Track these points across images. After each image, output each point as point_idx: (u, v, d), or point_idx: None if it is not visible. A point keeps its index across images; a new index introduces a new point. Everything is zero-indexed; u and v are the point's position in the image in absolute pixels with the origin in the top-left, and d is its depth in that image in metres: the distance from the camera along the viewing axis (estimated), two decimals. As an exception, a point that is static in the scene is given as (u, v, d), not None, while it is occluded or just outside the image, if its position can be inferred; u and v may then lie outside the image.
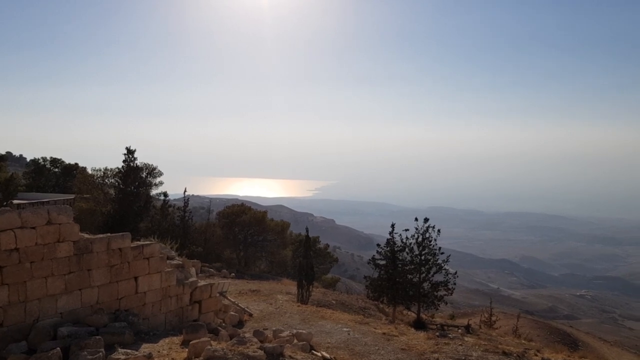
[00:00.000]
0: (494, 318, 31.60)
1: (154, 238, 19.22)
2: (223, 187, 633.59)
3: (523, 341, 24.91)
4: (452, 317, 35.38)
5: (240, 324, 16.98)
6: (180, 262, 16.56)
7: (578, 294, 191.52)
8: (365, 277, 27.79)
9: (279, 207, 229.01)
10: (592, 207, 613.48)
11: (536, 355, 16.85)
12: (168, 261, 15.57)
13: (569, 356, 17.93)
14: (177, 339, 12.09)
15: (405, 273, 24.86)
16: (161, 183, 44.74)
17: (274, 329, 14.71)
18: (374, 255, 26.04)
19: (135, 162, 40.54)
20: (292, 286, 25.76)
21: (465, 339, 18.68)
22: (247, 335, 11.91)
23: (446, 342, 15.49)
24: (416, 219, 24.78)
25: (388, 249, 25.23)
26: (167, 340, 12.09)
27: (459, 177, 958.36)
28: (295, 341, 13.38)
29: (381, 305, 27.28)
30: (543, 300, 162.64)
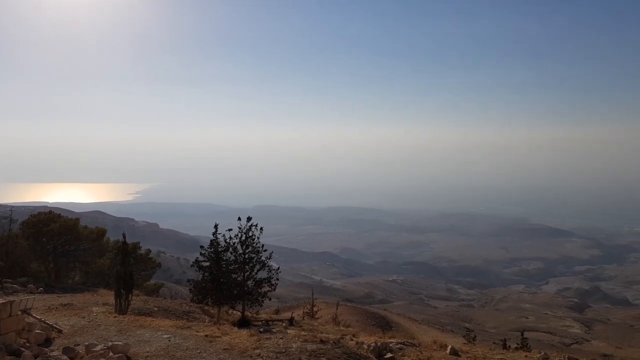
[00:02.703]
0: (315, 308, 33.06)
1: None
2: (27, 194, 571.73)
3: (342, 328, 26.44)
4: (277, 311, 36.31)
5: (47, 342, 15.49)
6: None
7: (390, 279, 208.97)
8: (188, 280, 27.23)
9: (96, 214, 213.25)
10: (400, 199, 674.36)
11: (352, 340, 18.03)
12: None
13: (380, 337, 19.47)
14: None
15: (230, 273, 24.86)
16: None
17: (87, 343, 13.72)
18: (197, 258, 25.64)
19: None
20: (109, 296, 24.20)
21: (288, 331, 19.29)
22: (54, 353, 10.97)
23: (268, 337, 15.85)
24: (239, 219, 24.92)
25: (212, 250, 25.00)
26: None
27: (283, 176, 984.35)
28: (111, 354, 12.65)
29: (206, 307, 26.95)
30: (361, 288, 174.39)
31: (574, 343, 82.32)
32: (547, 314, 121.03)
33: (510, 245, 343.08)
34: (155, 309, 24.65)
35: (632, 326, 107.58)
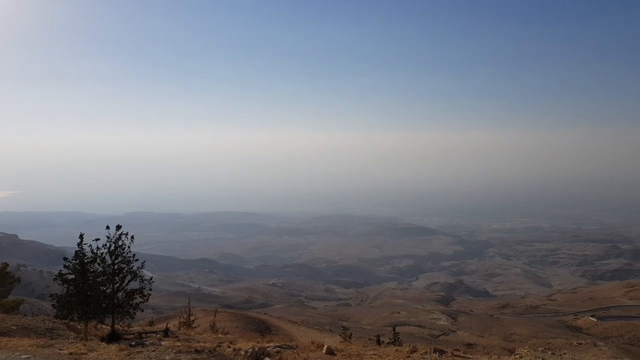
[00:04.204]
0: (193, 317, 32.13)
1: None
2: None
3: (220, 335, 25.96)
4: (152, 323, 34.81)
5: None
6: None
7: (270, 282, 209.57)
8: (51, 295, 25.21)
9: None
10: (279, 203, 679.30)
11: (229, 347, 17.78)
12: None
13: (258, 342, 19.41)
14: None
15: (98, 285, 23.38)
16: None
17: None
18: (60, 270, 23.78)
19: None
20: (-44, 318, 21.73)
21: (162, 343, 18.60)
22: None
23: (139, 350, 15.17)
24: (108, 227, 23.51)
25: (77, 261, 23.33)
26: None
27: (158, 181, 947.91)
28: (-44, 383, 11.34)
29: (72, 323, 25.12)
30: (241, 293, 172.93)
31: (441, 334, 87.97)
32: (417, 308, 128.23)
33: (383, 244, 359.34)
34: (13, 327, 22.61)
35: (491, 316, 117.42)
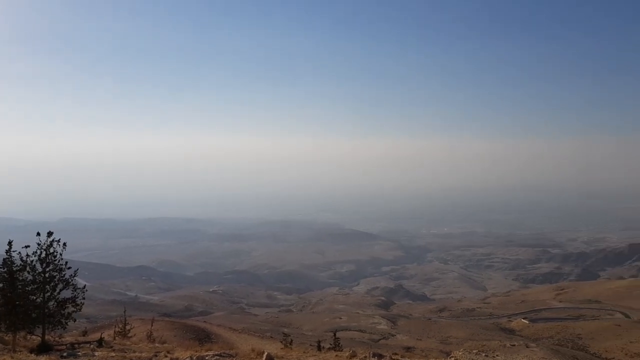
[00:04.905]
0: (128, 326, 31.24)
1: None
2: None
3: (157, 345, 25.38)
4: (85, 333, 33.58)
5: None
6: None
7: (211, 290, 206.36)
8: (-25, 305, 23.86)
9: None
10: (221, 208, 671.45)
11: (166, 356, 17.42)
12: None
13: (197, 351, 19.10)
14: None
15: (27, 294, 22.35)
16: None
17: None
18: (-14, 279, 22.57)
19: None
20: None
21: (96, 354, 18.03)
22: None
23: (71, 362, 14.60)
24: (38, 234, 22.53)
25: (5, 269, 22.24)
26: None
27: (93, 186, 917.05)
28: None
29: (-1, 335, 23.87)
30: (180, 301, 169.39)
31: (381, 339, 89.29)
32: (358, 313, 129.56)
33: (325, 249, 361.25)
34: None
35: (430, 319, 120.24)
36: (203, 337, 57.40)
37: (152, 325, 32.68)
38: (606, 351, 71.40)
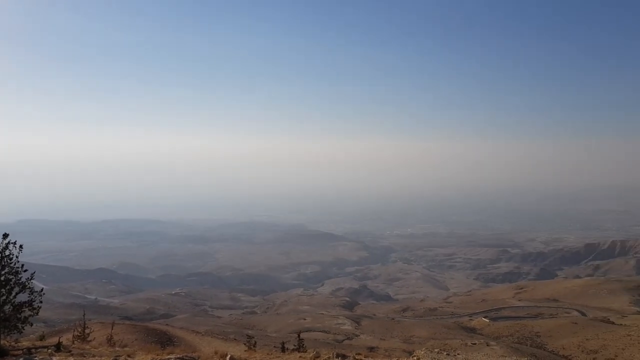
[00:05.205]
0: (88, 330, 30.53)
1: None
2: None
3: (117, 349, 24.92)
4: (43, 337, 32.59)
5: None
6: None
7: (173, 292, 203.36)
8: None
9: None
10: (184, 210, 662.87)
11: (127, 359, 17.12)
12: None
13: (158, 354, 18.84)
14: None
15: (-19, 298, 21.65)
16: None
17: None
18: (-63, 283, 21.75)
19: None
20: None
21: (54, 358, 17.62)
22: None
23: (27, 367, 14.23)
24: (-6, 236, 21.84)
25: (-43, 273, 21.49)
26: None
27: (51, 187, 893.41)
28: None
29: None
30: (141, 304, 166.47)
31: (345, 339, 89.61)
32: (322, 314, 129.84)
33: (290, 251, 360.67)
34: None
35: (393, 319, 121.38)
36: (165, 340, 56.59)
37: (112, 329, 32.01)
38: (563, 348, 73.37)
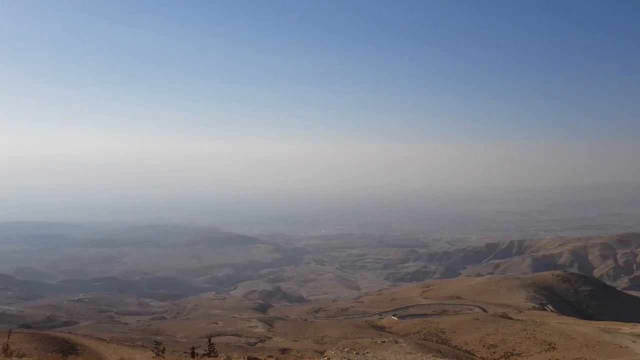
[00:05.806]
0: (-21, 342, 28.49)
1: None
2: None
3: (14, 359, 23.51)
4: None
5: None
6: None
7: (76, 298, 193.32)
8: None
9: None
10: (89, 212, 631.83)
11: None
12: None
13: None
14: None
15: None
16: None
17: None
18: None
19: None
20: None
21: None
22: None
23: None
24: None
25: None
26: None
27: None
28: None
29: None
30: (41, 311, 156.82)
31: (258, 342, 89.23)
32: (235, 317, 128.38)
33: (202, 254, 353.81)
34: None
35: (306, 320, 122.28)
36: (67, 349, 53.71)
37: (9, 338, 29.98)
38: (466, 343, 77.24)
